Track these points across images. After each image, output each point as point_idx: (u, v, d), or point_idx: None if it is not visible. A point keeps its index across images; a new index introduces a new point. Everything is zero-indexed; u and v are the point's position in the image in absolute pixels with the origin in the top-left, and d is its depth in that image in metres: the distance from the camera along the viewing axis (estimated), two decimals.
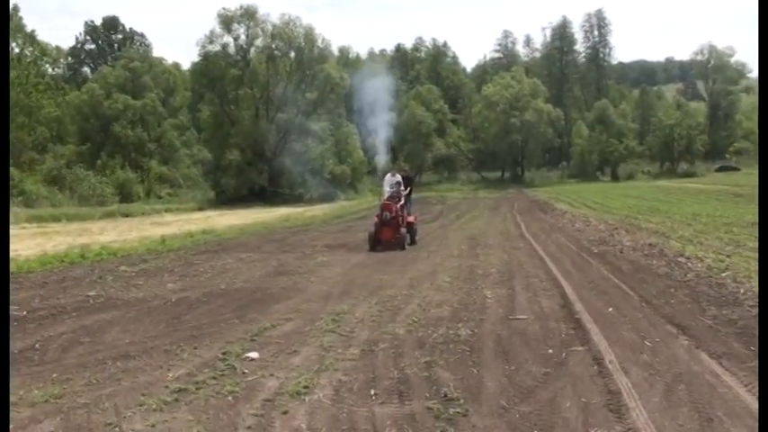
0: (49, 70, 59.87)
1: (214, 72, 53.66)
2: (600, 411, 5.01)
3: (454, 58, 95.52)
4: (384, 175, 18.78)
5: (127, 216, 36.71)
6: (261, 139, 51.20)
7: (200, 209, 45.07)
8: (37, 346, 7.19)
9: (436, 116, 71.79)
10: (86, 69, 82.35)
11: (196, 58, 56.33)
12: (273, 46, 53.51)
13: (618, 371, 5.95)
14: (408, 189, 18.69)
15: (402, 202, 17.42)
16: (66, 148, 58.08)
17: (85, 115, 58.91)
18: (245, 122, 52.00)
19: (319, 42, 53.90)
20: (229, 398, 5.39)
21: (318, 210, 38.56)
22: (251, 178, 49.80)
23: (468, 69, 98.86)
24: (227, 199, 48.89)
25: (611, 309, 8.71)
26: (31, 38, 48.96)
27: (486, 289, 10.50)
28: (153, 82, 63.50)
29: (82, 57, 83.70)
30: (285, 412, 5.04)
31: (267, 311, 9.06)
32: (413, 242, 17.50)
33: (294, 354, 6.81)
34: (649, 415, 4.87)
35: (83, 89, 61.46)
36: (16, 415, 4.91)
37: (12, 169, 41.32)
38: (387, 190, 17.88)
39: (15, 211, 32.65)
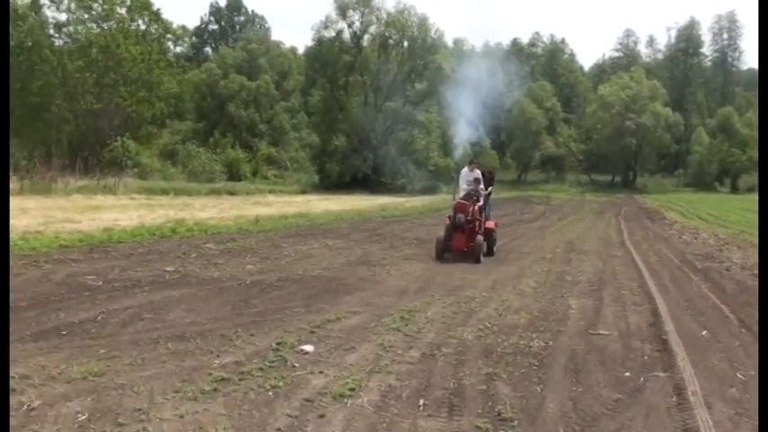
0: (174, 48, 62.04)
1: (327, 57, 54.17)
2: None
3: (571, 55, 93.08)
4: (460, 169, 16.37)
5: (232, 194, 37.47)
6: (367, 126, 51.27)
7: (303, 192, 45.62)
8: (99, 318, 7.17)
9: (548, 114, 70.01)
10: (208, 49, 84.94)
11: (311, 43, 57.04)
12: (387, 34, 53.47)
13: (700, 405, 5.33)
14: (489, 189, 16.18)
15: (480, 203, 14.58)
16: (184, 124, 60.18)
17: (203, 94, 60.85)
18: (353, 109, 52.24)
19: (432, 32, 53.52)
20: (270, 393, 5.13)
21: (418, 201, 38.25)
22: (355, 165, 50.04)
23: (586, 68, 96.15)
24: (330, 184, 49.29)
25: (704, 332, 7.97)
26: (156, 16, 50.69)
27: (571, 298, 9.89)
28: (268, 64, 64.81)
29: (205, 37, 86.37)
30: (322, 416, 4.73)
31: (336, 302, 8.80)
32: (490, 252, 14.38)
33: (351, 351, 6.51)
34: None
35: (202, 68, 63.45)
36: (49, 390, 4.82)
37: (129, 142, 43.09)
38: (463, 187, 15.20)
39: (128, 181, 33.90)
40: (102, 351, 5.90)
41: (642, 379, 6.02)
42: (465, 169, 15.82)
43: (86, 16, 47.05)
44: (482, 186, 15.12)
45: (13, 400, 4.56)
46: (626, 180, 73.59)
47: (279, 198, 37.30)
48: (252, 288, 9.45)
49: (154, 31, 51.10)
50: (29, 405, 4.50)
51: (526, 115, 67.54)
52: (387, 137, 51.91)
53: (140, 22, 50.02)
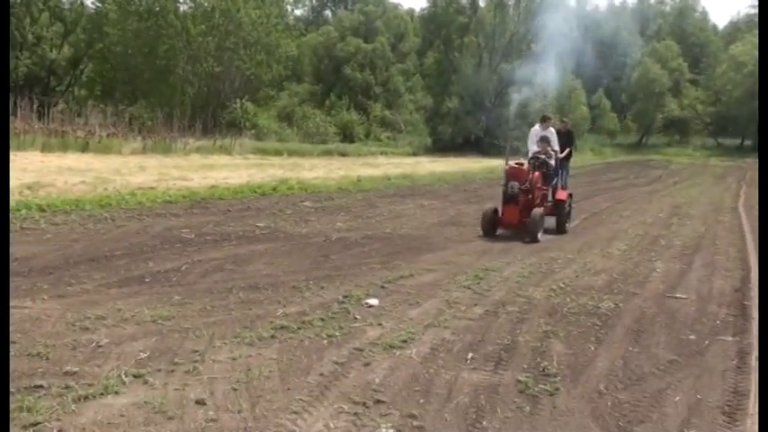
0: (293, 12, 63.15)
1: (441, 18, 53.67)
2: (709, 413, 4.37)
3: (703, 13, 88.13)
4: (532, 126, 14.08)
5: (343, 155, 38.09)
6: (481, 88, 50.62)
7: (415, 154, 45.74)
8: (183, 268, 7.63)
9: (672, 75, 66.68)
10: (328, 12, 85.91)
11: (426, 5, 56.69)
12: None
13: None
14: (567, 151, 14.46)
15: (548, 167, 12.29)
16: (302, 86, 61.38)
17: (320, 56, 61.73)
18: (467, 71, 51.65)
19: None
20: (324, 341, 5.36)
21: None
22: (467, 127, 49.57)
23: (720, 26, 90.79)
24: (442, 146, 49.13)
25: None
26: None
27: (659, 261, 9.63)
28: (385, 27, 64.89)
29: (325, 0, 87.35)
30: (367, 364, 4.91)
31: (415, 260, 8.95)
32: (561, 230, 12.09)
33: (415, 306, 6.65)
34: None
35: (320, 31, 64.33)
36: (119, 331, 5.23)
37: (248, 104, 44.47)
38: (533, 149, 12.74)
39: (244, 142, 35.09)
40: (176, 298, 6.31)
41: (707, 342, 5.87)
42: (536, 127, 13.62)
43: None
44: (555, 147, 12.91)
45: (83, 337, 5.00)
46: (757, 144, 69.37)
47: (389, 160, 37.63)
48: (335, 244, 9.74)
49: None
50: (97, 342, 4.91)
51: (649, 76, 64.56)
52: (501, 98, 51.10)
53: None
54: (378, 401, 4.27)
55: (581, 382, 4.82)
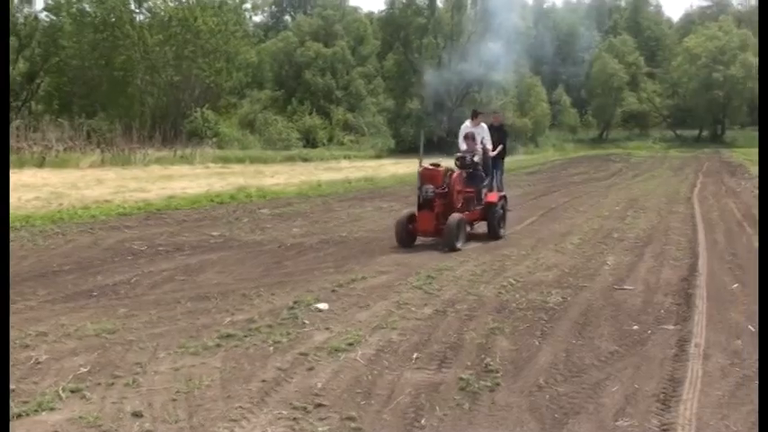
0: (251, 19, 62.87)
1: (400, 20, 53.91)
2: (644, 401, 4.46)
3: (657, 6, 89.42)
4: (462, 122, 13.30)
5: (306, 161, 38.03)
6: (441, 89, 50.87)
7: (378, 157, 45.80)
8: (132, 280, 7.59)
9: (630, 69, 67.58)
10: (288, 18, 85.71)
11: (383, 7, 56.88)
12: None
13: (697, 357, 5.28)
14: (499, 148, 13.41)
15: (475, 167, 11.30)
16: (263, 93, 61.12)
17: (281, 62, 61.53)
18: (427, 72, 51.89)
19: None
20: (270, 348, 5.35)
21: None
22: (430, 128, 49.79)
23: (675, 19, 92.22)
24: (405, 148, 49.19)
25: (736, 285, 7.79)
26: None
27: (610, 254, 9.78)
28: (344, 30, 64.93)
29: (284, 5, 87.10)
30: (311, 369, 4.92)
31: (369, 263, 8.98)
32: (493, 235, 11.08)
33: (364, 308, 6.68)
34: (699, 411, 4.27)
35: (279, 37, 64.16)
36: (60, 346, 5.18)
37: (209, 112, 44.21)
38: (462, 148, 11.84)
39: (206, 151, 34.86)
40: (122, 310, 6.26)
41: (649, 332, 5.99)
42: (467, 122, 12.89)
43: None
44: (487, 144, 12.31)
45: (23, 354, 4.95)
46: (714, 135, 70.52)
47: (352, 163, 37.64)
48: (289, 251, 9.74)
49: (230, 2, 51.89)
50: (36, 359, 4.86)
51: (607, 71, 65.34)
52: (462, 99, 51.41)
53: None
54: (318, 405, 4.28)
55: (522, 376, 4.89)
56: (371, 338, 5.68)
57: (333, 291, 7.34)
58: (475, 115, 13.08)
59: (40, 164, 24.15)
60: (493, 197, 11.40)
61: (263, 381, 4.65)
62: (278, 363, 5.01)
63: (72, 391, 4.30)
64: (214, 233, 11.02)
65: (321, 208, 14.99)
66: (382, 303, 6.87)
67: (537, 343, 5.65)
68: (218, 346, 5.36)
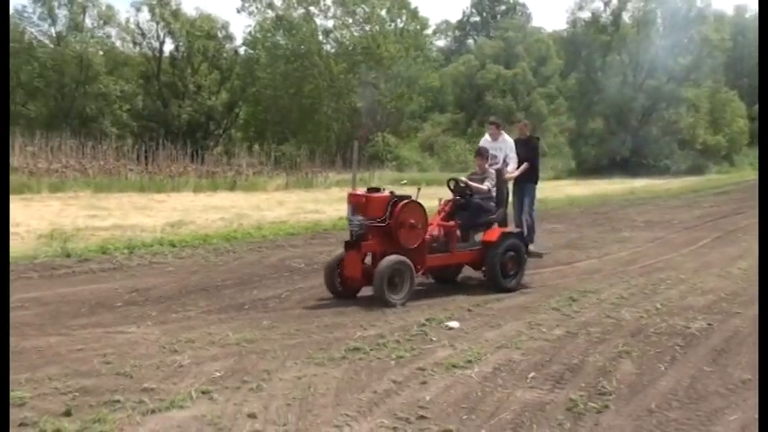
0: (431, 44, 64.21)
1: (582, 39, 52.79)
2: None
3: None
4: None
5: None
6: (626, 107, 49.15)
7: (557, 178, 44.97)
8: (283, 295, 8.14)
9: None
10: (471, 41, 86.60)
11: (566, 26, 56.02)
12: (646, 8, 50.76)
13: None
14: (523, 167, 10.30)
15: (470, 194, 8.95)
16: (444, 116, 62.16)
17: (461, 85, 62.33)
18: (611, 90, 50.36)
19: (698, 2, 49.83)
20: (392, 362, 5.59)
21: (678, 183, 36.06)
22: (612, 148, 48.20)
23: None
24: (587, 169, 48.01)
25: None
26: (414, 14, 52.97)
27: None
28: (526, 52, 64.60)
29: (467, 29, 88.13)
30: (423, 383, 5.11)
31: None
32: (495, 285, 8.57)
33: (495, 328, 6.77)
34: None
35: (460, 60, 65.00)
36: (203, 352, 5.71)
37: (390, 137, 45.71)
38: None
39: (384, 173, 35.99)
40: (266, 323, 6.76)
41: None
42: (486, 137, 10.61)
43: (350, 21, 50.52)
44: (508, 162, 10.07)
45: (169, 358, 5.52)
46: None
47: None
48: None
49: (411, 29, 53.42)
50: (180, 363, 5.41)
51: None
52: (648, 117, 49.35)
53: (399, 21, 52.56)
54: (421, 417, 4.46)
55: (635, 400, 4.79)
56: (492, 357, 5.77)
57: (468, 310, 7.48)
58: (497, 126, 10.47)
59: (232, 187, 26.08)
60: (493, 235, 8.70)
61: (375, 392, 4.90)
62: (394, 376, 5.24)
63: (203, 393, 4.76)
64: None
65: None
66: (514, 324, 6.92)
67: (663, 368, 5.49)
68: (344, 358, 5.67)
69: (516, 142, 10.43)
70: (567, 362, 5.67)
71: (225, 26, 53.65)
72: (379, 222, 7.91)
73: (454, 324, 6.84)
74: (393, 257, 7.73)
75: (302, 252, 11.39)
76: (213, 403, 4.59)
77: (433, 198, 9.60)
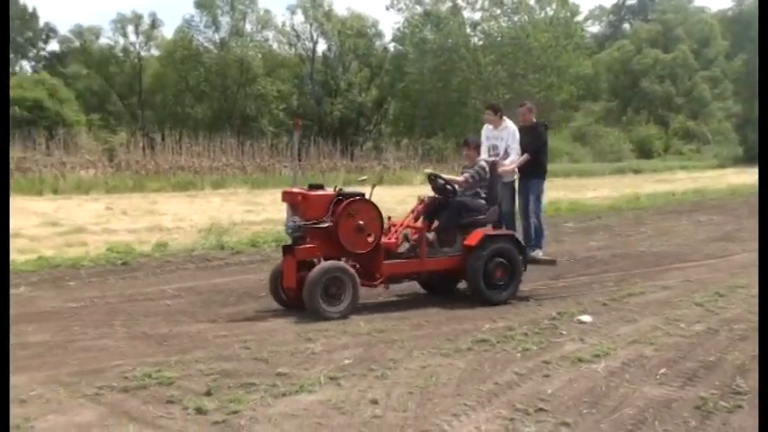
0: (582, 31, 62.49)
1: (750, 17, 49.57)
2: None
3: None
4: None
5: (637, 173, 36.79)
6: None
7: (721, 166, 42.55)
8: (416, 287, 8.33)
9: None
10: (626, 26, 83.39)
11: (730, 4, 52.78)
12: None
13: None
14: (520, 158, 8.50)
15: (446, 193, 7.92)
16: (598, 104, 60.36)
17: (616, 72, 60.29)
18: None
19: None
20: (517, 354, 5.61)
21: None
22: None
23: None
24: (755, 156, 45.13)
25: None
26: (563, 1, 51.75)
27: None
28: (686, 34, 61.46)
29: (622, 14, 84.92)
30: (546, 376, 5.10)
31: (656, 277, 8.75)
32: (479, 297, 7.49)
33: (629, 323, 6.61)
34: None
35: (614, 46, 62.83)
36: (336, 341, 5.98)
37: None
38: (482, 158, 8.27)
39: None
40: (397, 314, 6.99)
41: None
42: (486, 125, 8.91)
43: (498, 12, 50.08)
44: (510, 154, 8.50)
45: (303, 345, 5.81)
46: None
47: (689, 174, 35.51)
48: (576, 264, 9.83)
49: (562, 16, 52.18)
50: (312, 350, 5.69)
51: None
52: None
53: (548, 9, 51.49)
54: (539, 410, 4.47)
55: None
56: (622, 352, 5.66)
57: (603, 304, 7.34)
58: (495, 111, 8.80)
59: (379, 181, 26.65)
60: (473, 238, 7.51)
61: (497, 383, 4.95)
62: (517, 368, 5.26)
63: (331, 378, 5.00)
64: None
65: (630, 222, 14.63)
66: (650, 319, 6.72)
67: None
68: (470, 349, 5.75)
69: (520, 130, 8.68)
70: (702, 359, 5.47)
71: (374, 24, 54.79)
72: (318, 224, 7.05)
73: (587, 318, 6.74)
74: (328, 264, 6.92)
75: None
76: (339, 389, 4.82)
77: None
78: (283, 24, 54.21)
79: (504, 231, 7.97)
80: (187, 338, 6.14)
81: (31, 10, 53.38)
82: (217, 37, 51.66)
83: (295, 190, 7.30)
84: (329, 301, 6.79)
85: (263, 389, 4.77)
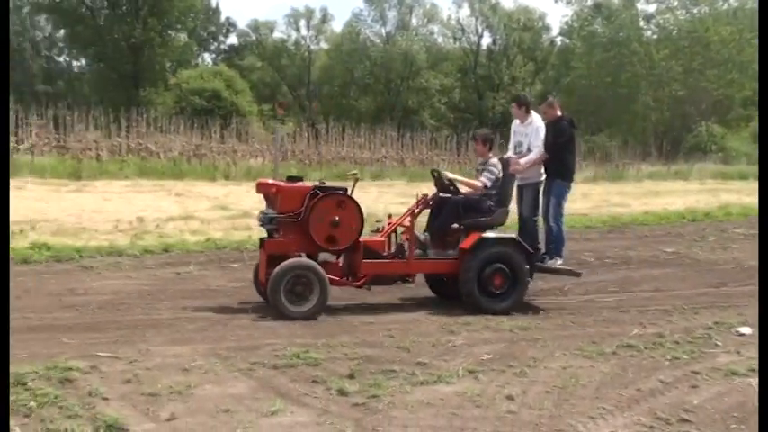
0: None
1: None
2: None
3: None
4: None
5: None
6: None
7: None
8: (565, 288, 8.22)
9: None
10: None
11: None
12: None
13: None
14: (534, 154, 7.76)
15: (446, 190, 7.48)
16: None
17: None
18: None
19: None
20: (665, 362, 5.41)
21: None
22: None
23: None
24: None
25: None
26: None
27: None
28: None
29: None
30: (694, 386, 4.88)
31: None
32: (472, 304, 6.94)
33: None
34: None
35: None
36: (477, 335, 6.05)
37: (715, 126, 42.50)
38: (508, 154, 8.05)
39: (705, 166, 33.55)
40: (541, 312, 6.97)
41: None
42: (516, 121, 8.19)
43: (675, 3, 47.77)
44: (532, 149, 7.77)
45: (445, 338, 5.92)
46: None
47: None
48: (741, 272, 9.28)
49: (748, 8, 48.93)
50: (453, 343, 5.78)
51: None
52: None
53: (731, 0, 48.49)
54: (682, 420, 4.33)
55: None
56: None
57: None
58: (520, 104, 8.09)
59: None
60: (468, 241, 7.03)
61: (639, 389, 4.83)
62: (663, 376, 5.10)
63: (469, 372, 5.07)
64: (668, 249, 11.00)
65: None
66: None
67: None
68: (614, 353, 5.63)
69: (550, 124, 7.95)
70: None
71: (542, 17, 53.86)
72: (292, 218, 6.80)
73: (746, 330, 6.40)
74: (294, 260, 6.59)
75: (595, 246, 11.28)
76: (477, 382, 4.88)
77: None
78: (449, 18, 54.50)
79: (504, 235, 7.32)
80: (335, 323, 6.42)
81: (214, 6, 56.86)
82: (383, 31, 52.77)
83: (270, 181, 7.19)
84: (294, 300, 6.50)
85: (402, 376, 4.92)
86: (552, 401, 4.56)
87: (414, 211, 7.30)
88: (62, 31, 53.82)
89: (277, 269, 6.44)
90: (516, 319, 6.60)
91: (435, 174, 7.66)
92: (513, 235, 7.34)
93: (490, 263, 6.93)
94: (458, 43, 54.83)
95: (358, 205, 6.97)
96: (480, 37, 53.92)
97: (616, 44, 45.77)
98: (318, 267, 6.61)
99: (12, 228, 10.17)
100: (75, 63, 58.13)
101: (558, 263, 7.81)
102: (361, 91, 52.09)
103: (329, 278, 6.64)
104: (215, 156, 24.53)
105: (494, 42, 54.11)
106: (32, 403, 4.12)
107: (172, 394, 4.42)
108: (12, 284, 7.53)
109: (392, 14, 52.62)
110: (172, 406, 4.24)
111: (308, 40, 56.61)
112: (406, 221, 7.24)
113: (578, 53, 48.01)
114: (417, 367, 5.14)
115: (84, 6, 49.52)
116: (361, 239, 6.97)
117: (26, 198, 13.92)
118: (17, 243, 9.30)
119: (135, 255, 9.23)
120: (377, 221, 7.73)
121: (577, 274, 7.75)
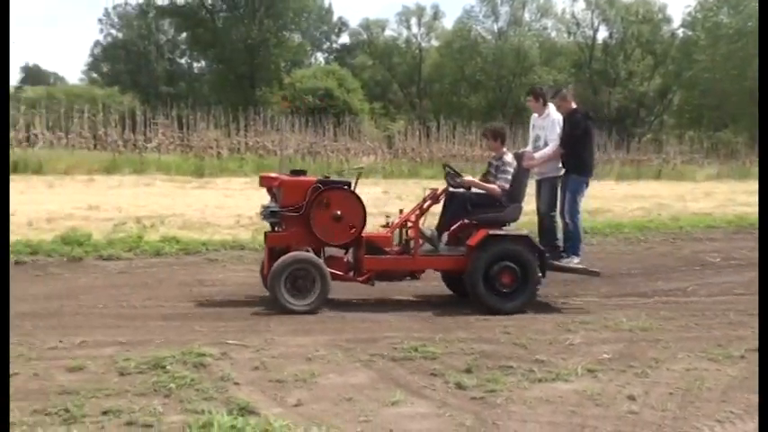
0: None
1: None
2: None
3: None
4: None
5: None
6: None
7: None
8: (689, 288, 8.03)
9: None
10: None
11: None
12: None
13: None
14: (549, 149, 7.59)
15: (456, 182, 7.28)
16: None
17: None
18: None
19: None
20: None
21: None
22: None
23: None
24: None
25: None
26: None
27: None
28: None
29: None
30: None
31: None
32: (478, 299, 6.78)
33: None
34: None
35: None
36: (596, 334, 5.97)
37: None
38: (527, 149, 7.88)
39: None
40: (663, 313, 6.76)
41: None
42: (534, 115, 8.03)
43: None
44: (548, 143, 7.61)
45: (562, 336, 5.86)
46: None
47: None
48: None
49: None
50: (571, 341, 5.70)
51: None
52: None
53: None
54: None
55: None
56: None
57: None
58: (537, 97, 7.88)
59: (657, 176, 25.47)
60: (475, 238, 6.78)
61: (708, 388, 4.70)
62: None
63: (588, 371, 5.01)
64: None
65: None
66: None
67: None
68: (743, 357, 5.42)
69: (567, 117, 7.64)
70: None
71: (662, 9, 52.06)
72: (294, 211, 6.75)
73: None
74: (295, 254, 6.56)
75: (720, 246, 10.88)
76: (596, 381, 4.82)
77: None
78: (563, 12, 53.50)
79: (514, 231, 7.09)
80: (451, 319, 6.49)
81: (327, 5, 58.03)
82: (495, 27, 52.34)
83: (273, 175, 7.25)
84: (295, 293, 6.49)
85: (520, 373, 4.93)
86: (676, 403, 4.46)
87: (422, 206, 7.15)
88: (183, 34, 56.32)
89: (278, 262, 6.48)
90: (636, 319, 6.45)
91: (447, 168, 7.49)
92: (524, 232, 7.15)
93: (498, 260, 6.74)
94: (572, 38, 53.72)
95: (360, 200, 6.96)
96: (596, 31, 52.64)
97: (743, 35, 43.59)
98: (319, 261, 6.63)
99: (143, 222, 10.83)
100: (195, 64, 60.75)
101: (574, 261, 7.50)
102: (471, 88, 51.85)
103: (333, 273, 6.68)
104: (328, 153, 25.07)
105: (610, 36, 52.68)
106: (172, 385, 4.40)
107: (297, 382, 4.61)
108: (146, 275, 8.09)
109: (504, 10, 52.15)
110: (298, 393, 4.42)
111: (419, 38, 56.90)
112: (412, 217, 7.11)
113: (702, 45, 46.07)
114: (535, 364, 5.13)
115: (204, 9, 51.62)
116: (363, 234, 6.94)
117: (154, 194, 14.72)
118: (149, 236, 9.88)
119: (256, 249, 9.58)
120: (387, 216, 7.62)
121: (596, 274, 7.51)
